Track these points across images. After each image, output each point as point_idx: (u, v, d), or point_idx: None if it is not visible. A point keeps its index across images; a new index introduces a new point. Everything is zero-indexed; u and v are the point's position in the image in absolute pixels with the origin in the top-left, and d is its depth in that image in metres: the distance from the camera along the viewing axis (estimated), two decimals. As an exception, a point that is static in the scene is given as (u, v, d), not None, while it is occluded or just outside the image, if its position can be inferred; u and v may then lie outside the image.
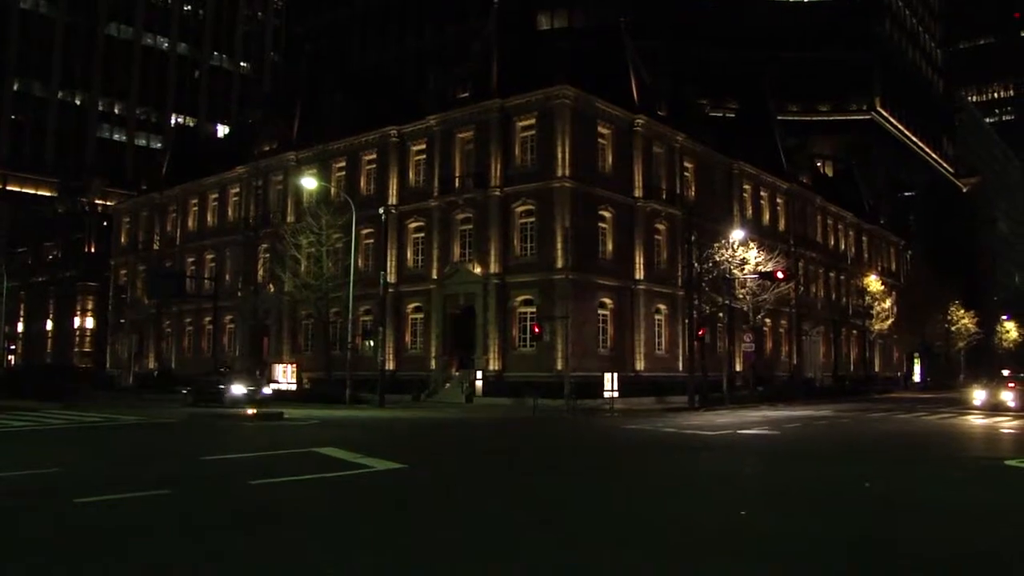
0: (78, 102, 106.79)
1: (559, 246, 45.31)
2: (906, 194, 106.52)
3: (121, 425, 26.82)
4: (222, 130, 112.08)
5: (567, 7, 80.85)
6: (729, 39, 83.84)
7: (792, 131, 79.12)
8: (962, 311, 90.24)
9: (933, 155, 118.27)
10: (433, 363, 49.95)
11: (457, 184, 49.69)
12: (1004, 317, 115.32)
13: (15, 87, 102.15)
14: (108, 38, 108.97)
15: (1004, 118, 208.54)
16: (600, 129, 49.22)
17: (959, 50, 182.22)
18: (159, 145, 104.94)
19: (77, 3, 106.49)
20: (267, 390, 40.56)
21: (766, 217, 65.19)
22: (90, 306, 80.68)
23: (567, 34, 75.80)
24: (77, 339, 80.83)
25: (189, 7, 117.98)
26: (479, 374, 46.25)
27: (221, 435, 23.66)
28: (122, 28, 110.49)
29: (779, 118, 74.81)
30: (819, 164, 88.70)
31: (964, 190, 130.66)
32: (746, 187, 62.72)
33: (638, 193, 50.66)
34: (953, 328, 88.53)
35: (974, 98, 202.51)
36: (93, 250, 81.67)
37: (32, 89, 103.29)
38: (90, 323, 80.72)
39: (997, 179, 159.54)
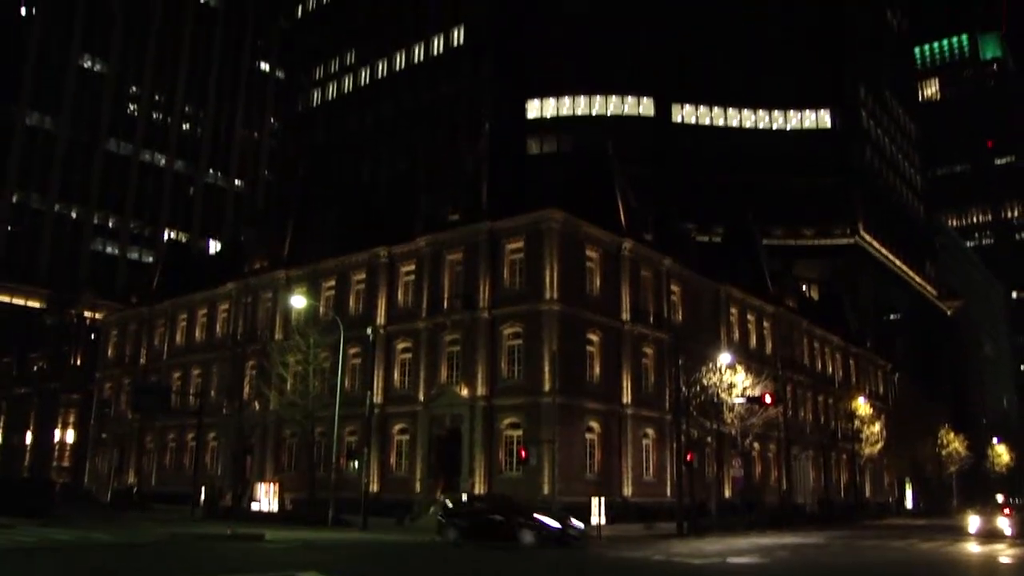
0: (74, 215, 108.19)
1: (546, 369, 45.29)
2: (891, 317, 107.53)
3: (95, 544, 26.16)
4: (214, 246, 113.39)
5: (556, 133, 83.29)
6: (714, 165, 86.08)
7: (777, 255, 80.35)
8: (952, 434, 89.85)
9: (916, 278, 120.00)
10: (418, 485, 49.16)
11: (446, 305, 49.99)
12: (995, 440, 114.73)
13: (14, 199, 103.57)
14: (107, 153, 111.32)
15: (984, 242, 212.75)
16: (588, 253, 49.89)
17: (937, 176, 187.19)
18: (151, 259, 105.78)
19: (80, 119, 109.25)
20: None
21: (753, 340, 65.54)
22: (72, 419, 79.65)
23: (556, 159, 77.87)
24: (56, 453, 79.47)
25: (187, 126, 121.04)
26: (464, 497, 45.44)
27: (199, 558, 23.07)
28: (122, 144, 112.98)
29: (764, 242, 76.08)
30: (804, 287, 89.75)
31: (948, 313, 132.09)
32: (733, 310, 63.28)
33: (625, 316, 51.01)
34: (944, 452, 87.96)
35: (954, 223, 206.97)
36: (79, 362, 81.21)
37: (31, 201, 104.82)
38: (71, 437, 79.53)
39: (980, 302, 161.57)
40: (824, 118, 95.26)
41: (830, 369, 79.67)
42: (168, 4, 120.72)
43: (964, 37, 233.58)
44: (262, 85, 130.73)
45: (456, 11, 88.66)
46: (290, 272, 59.65)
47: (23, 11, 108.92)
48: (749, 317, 65.64)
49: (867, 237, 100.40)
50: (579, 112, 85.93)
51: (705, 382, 47.15)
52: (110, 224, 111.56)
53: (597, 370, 49.12)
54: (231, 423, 58.87)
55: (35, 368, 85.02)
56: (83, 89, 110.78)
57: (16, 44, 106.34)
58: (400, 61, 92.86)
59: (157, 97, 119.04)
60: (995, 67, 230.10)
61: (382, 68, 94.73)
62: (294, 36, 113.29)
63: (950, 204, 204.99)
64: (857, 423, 75.89)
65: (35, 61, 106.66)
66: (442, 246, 51.23)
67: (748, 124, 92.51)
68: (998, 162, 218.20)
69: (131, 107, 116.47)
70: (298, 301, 48.72)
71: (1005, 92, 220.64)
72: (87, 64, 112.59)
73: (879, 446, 76.54)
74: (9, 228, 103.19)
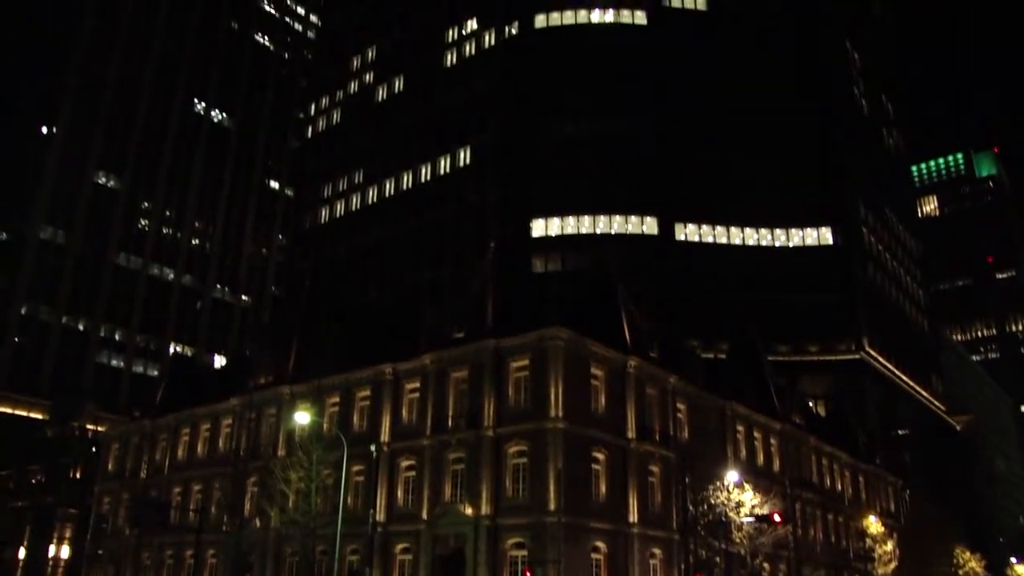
0: (81, 327, 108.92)
1: (551, 488, 44.69)
2: (900, 432, 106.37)
3: None
4: (219, 360, 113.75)
5: (561, 251, 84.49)
6: (718, 283, 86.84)
7: (782, 371, 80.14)
8: (968, 553, 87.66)
9: (924, 393, 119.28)
10: (420, 608, 47.91)
11: (450, 424, 49.72)
12: (1013, 560, 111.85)
13: (23, 311, 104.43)
14: (116, 267, 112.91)
15: (990, 356, 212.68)
16: (593, 370, 49.88)
17: (940, 291, 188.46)
18: (156, 373, 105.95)
19: (91, 233, 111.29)
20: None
21: (760, 458, 64.78)
22: (68, 534, 78.27)
23: (561, 277, 78.77)
24: (50, 569, 77.75)
25: (196, 241, 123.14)
26: (468, 622, 44.27)
27: None
28: (131, 258, 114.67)
29: (769, 359, 76.04)
30: (811, 404, 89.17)
31: (958, 428, 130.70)
32: (739, 428, 62.76)
33: (631, 434, 50.61)
34: (960, 571, 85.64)
35: (959, 337, 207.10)
36: (78, 476, 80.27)
37: (38, 313, 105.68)
38: (65, 552, 77.97)
39: (989, 417, 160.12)
40: (826, 235, 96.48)
41: (839, 486, 78.39)
42: (183, 121, 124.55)
43: (959, 155, 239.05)
44: (271, 202, 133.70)
45: (462, 133, 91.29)
46: (294, 388, 59.57)
47: (44, 129, 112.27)
48: (756, 434, 65.05)
49: (872, 352, 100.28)
50: (583, 231, 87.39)
51: (713, 501, 46.49)
52: (116, 337, 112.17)
53: (603, 489, 48.44)
54: (231, 540, 57.82)
55: (33, 480, 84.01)
56: (96, 204, 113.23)
57: (35, 161, 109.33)
58: (407, 180, 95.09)
59: (168, 212, 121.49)
60: (991, 184, 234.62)
61: (389, 187, 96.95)
62: (304, 155, 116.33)
63: (954, 318, 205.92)
64: (869, 542, 74.23)
65: (52, 177, 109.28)
66: (447, 364, 51.29)
67: (751, 242, 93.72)
68: (999, 276, 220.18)
69: (142, 222, 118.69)
70: (302, 417, 48.49)
71: (1002, 208, 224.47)
72: (102, 180, 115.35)
73: (892, 566, 74.62)
74: (16, 339, 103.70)
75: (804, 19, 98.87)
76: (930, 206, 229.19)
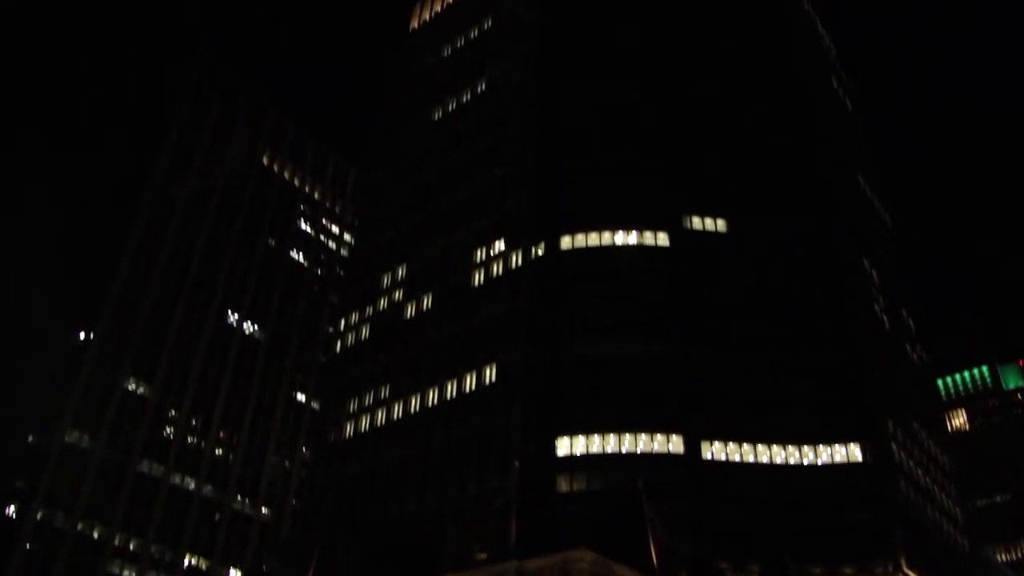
0: (95, 535, 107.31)
1: None
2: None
3: None
4: (235, 574, 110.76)
5: (586, 470, 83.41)
6: (747, 501, 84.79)
7: (817, 596, 76.89)
8: None
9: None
10: None
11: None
12: None
13: (38, 516, 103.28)
14: (138, 474, 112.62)
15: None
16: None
17: (978, 508, 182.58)
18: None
19: (116, 439, 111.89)
20: None
21: None
22: None
23: (586, 496, 77.37)
24: None
25: (220, 451, 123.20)
26: None
27: None
28: (154, 466, 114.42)
29: (803, 582, 73.24)
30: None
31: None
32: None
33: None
34: None
35: (1003, 556, 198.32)
36: None
37: (54, 520, 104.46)
38: None
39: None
40: (855, 452, 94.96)
41: None
42: (216, 332, 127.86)
43: (985, 368, 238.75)
44: (297, 415, 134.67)
45: (488, 351, 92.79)
46: (311, 611, 57.82)
47: (80, 335, 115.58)
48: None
49: (910, 574, 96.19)
50: (609, 450, 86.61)
51: None
52: (131, 547, 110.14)
53: None
54: None
55: None
56: (124, 410, 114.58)
57: (69, 367, 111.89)
58: (433, 397, 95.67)
59: (194, 421, 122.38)
60: (1020, 396, 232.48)
61: (415, 403, 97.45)
62: (332, 370, 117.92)
63: (996, 536, 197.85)
64: None
65: (83, 383, 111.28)
66: (469, 587, 49.96)
67: (779, 460, 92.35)
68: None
69: (168, 430, 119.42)
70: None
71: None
72: (131, 387, 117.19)
73: None
74: (28, 546, 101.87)
75: (820, 238, 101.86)
76: (959, 420, 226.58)
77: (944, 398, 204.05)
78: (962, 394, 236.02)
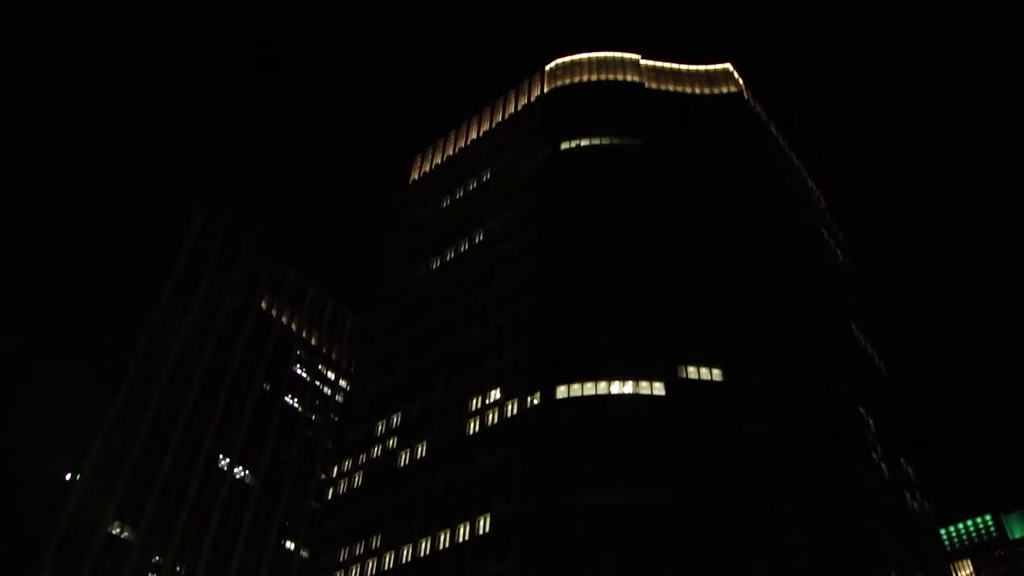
0: None
1: None
2: None
3: None
4: None
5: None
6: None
7: None
8: None
9: None
10: None
11: None
12: None
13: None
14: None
15: None
16: None
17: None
18: None
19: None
20: None
21: None
22: None
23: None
24: None
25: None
26: None
27: None
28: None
29: None
30: None
31: None
32: None
33: None
34: None
35: None
36: None
37: None
38: None
39: None
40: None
41: None
42: (205, 476, 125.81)
43: (988, 517, 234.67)
44: (285, 562, 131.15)
45: (483, 500, 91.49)
46: None
47: (67, 476, 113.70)
48: None
49: None
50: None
51: None
52: None
53: None
54: None
55: None
56: (106, 555, 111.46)
57: (53, 509, 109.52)
58: (425, 547, 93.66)
59: (178, 568, 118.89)
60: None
61: (406, 553, 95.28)
62: (323, 517, 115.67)
63: None
64: None
65: (65, 526, 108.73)
66: None
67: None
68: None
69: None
70: None
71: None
72: (115, 531, 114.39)
73: None
74: None
75: (815, 387, 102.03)
76: (965, 571, 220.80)
77: (948, 548, 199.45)
78: (966, 544, 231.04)
